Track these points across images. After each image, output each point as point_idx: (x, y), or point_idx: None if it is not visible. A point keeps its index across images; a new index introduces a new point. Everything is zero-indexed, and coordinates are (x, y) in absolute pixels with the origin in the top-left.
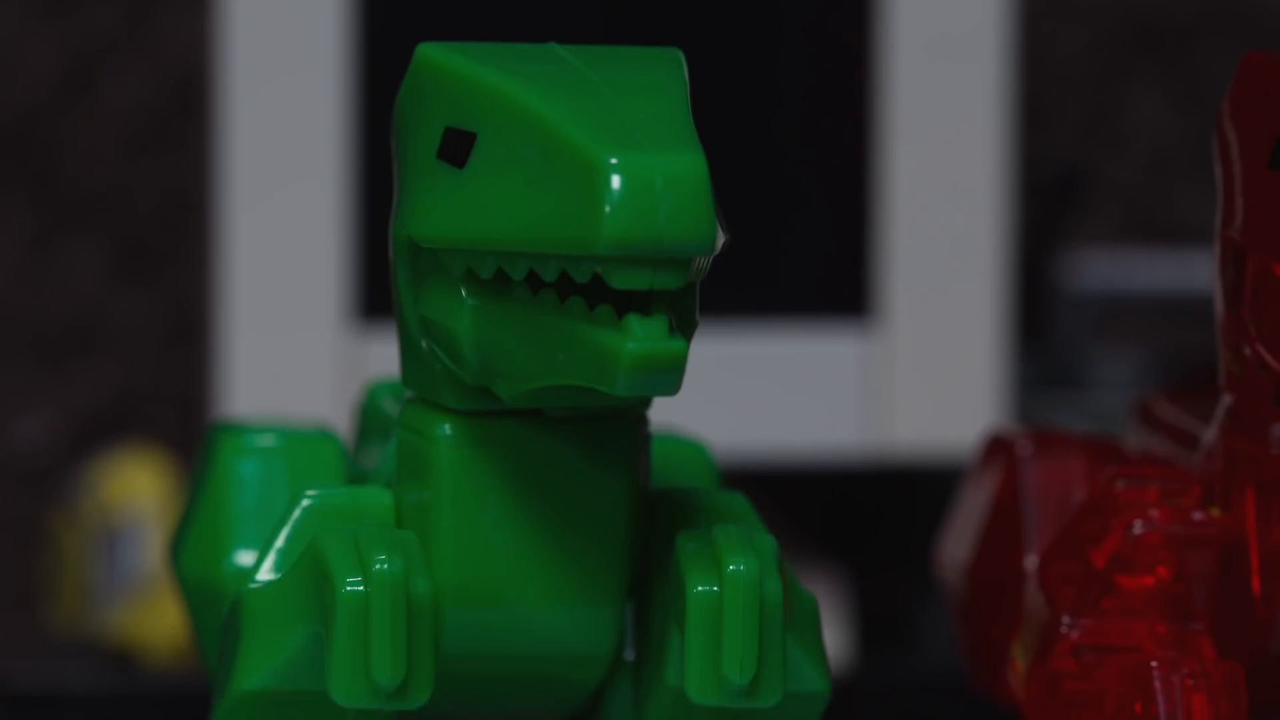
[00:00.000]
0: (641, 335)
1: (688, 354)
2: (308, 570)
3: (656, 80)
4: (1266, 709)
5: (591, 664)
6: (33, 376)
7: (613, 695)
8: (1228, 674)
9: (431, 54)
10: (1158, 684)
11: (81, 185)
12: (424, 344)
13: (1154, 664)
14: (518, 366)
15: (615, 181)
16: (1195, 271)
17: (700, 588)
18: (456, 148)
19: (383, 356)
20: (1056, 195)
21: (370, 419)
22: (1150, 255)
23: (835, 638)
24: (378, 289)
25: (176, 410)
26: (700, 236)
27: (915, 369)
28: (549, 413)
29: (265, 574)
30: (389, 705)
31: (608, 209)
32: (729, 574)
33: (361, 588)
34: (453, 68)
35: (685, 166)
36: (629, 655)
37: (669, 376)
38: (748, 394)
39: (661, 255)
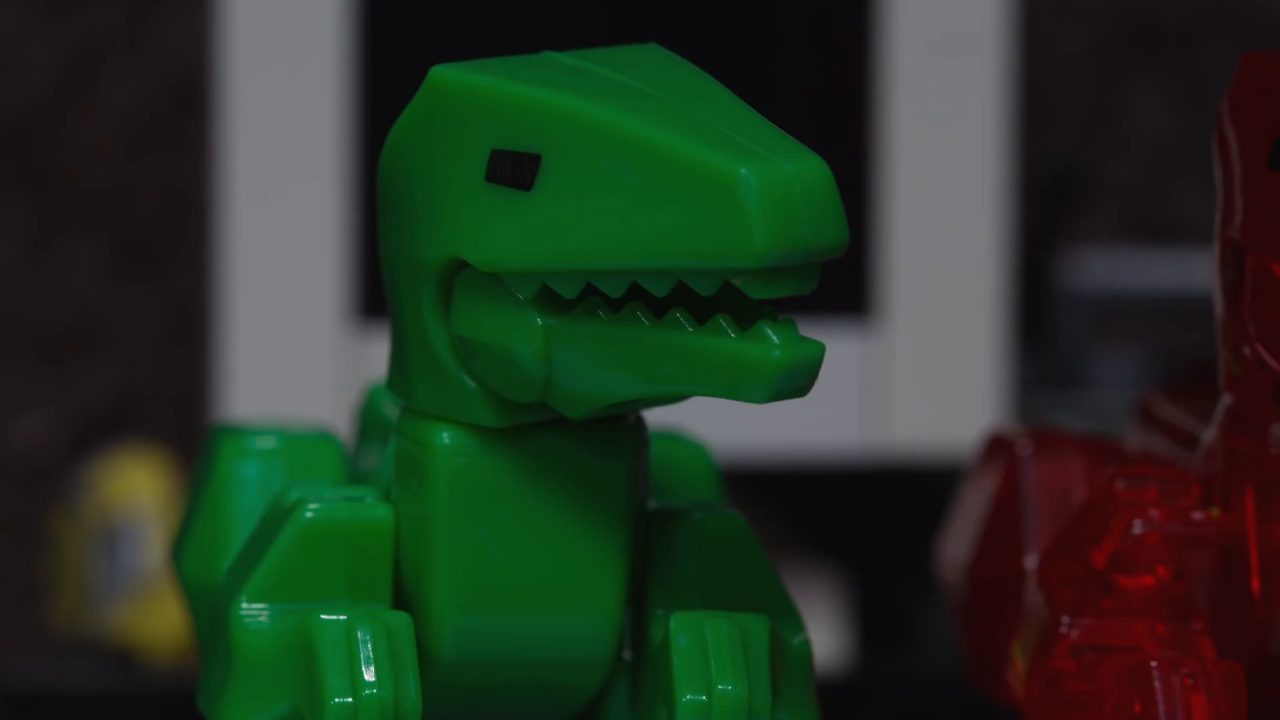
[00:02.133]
0: (783, 342)
1: (824, 355)
2: (299, 651)
3: (696, 83)
4: (1266, 709)
5: (590, 670)
6: (33, 376)
7: (611, 698)
8: (1227, 674)
9: (453, 75)
10: (1157, 684)
11: (81, 185)
12: (455, 366)
13: (1153, 664)
14: (599, 382)
15: (759, 194)
16: (1195, 271)
17: (689, 696)
18: (515, 170)
19: (383, 357)
20: (1056, 195)
21: (370, 421)
22: (1150, 255)
23: (835, 638)
24: (378, 289)
25: (176, 410)
26: (839, 238)
27: (915, 369)
28: (549, 423)
29: (258, 599)
30: None
31: (756, 221)
32: (718, 693)
33: (350, 700)
34: (490, 88)
35: (816, 171)
36: (627, 656)
37: (808, 379)
38: None
39: (808, 260)
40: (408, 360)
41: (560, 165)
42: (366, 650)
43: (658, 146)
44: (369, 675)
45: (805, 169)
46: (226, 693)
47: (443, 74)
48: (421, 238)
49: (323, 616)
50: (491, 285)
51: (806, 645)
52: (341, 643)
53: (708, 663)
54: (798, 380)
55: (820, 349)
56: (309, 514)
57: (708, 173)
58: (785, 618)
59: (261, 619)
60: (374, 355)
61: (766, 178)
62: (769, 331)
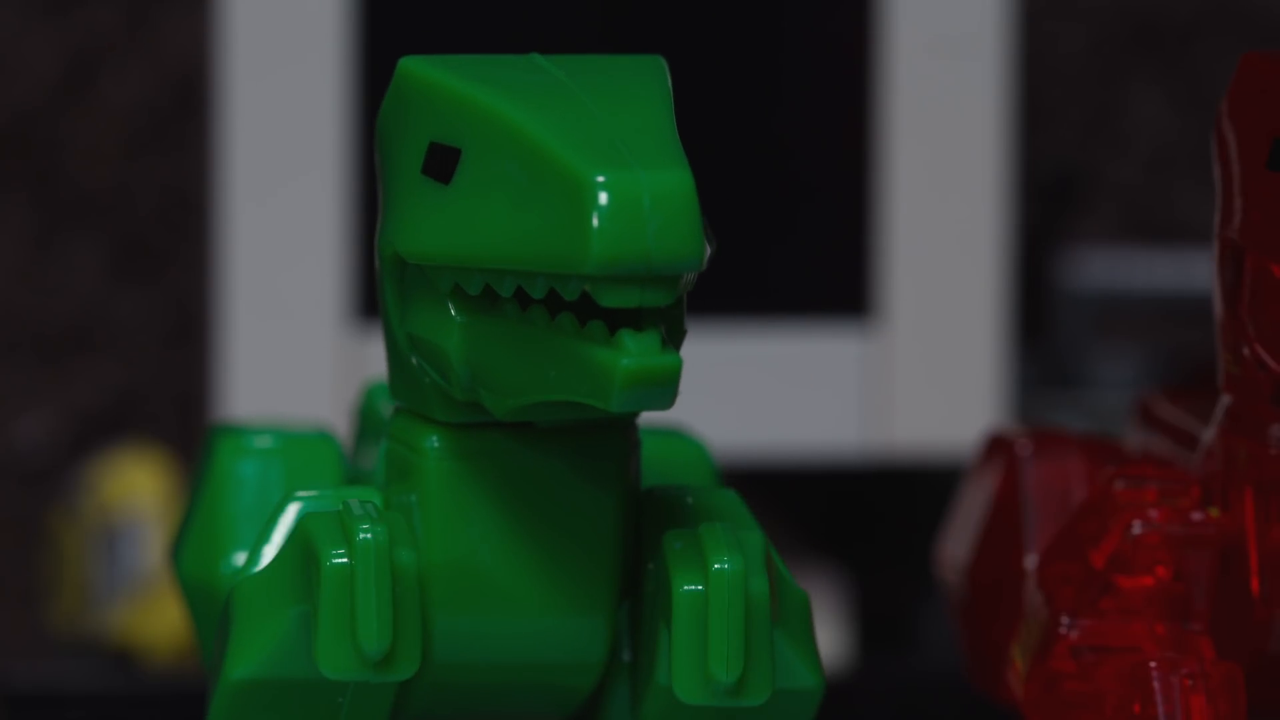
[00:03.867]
0: (635, 351)
1: (681, 368)
2: (295, 551)
3: (640, 91)
4: (1266, 709)
5: (583, 671)
6: (33, 376)
7: (611, 698)
8: (1226, 674)
9: (414, 68)
10: (1156, 684)
11: (81, 185)
12: (413, 360)
13: (1153, 664)
14: (508, 383)
15: (602, 200)
16: (1195, 271)
17: (686, 587)
18: (442, 163)
19: (382, 357)
20: (1056, 195)
21: (368, 420)
22: (1150, 255)
23: (835, 638)
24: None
25: (176, 410)
26: (689, 254)
27: (915, 369)
28: (538, 424)
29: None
30: (377, 676)
31: (595, 228)
32: (714, 573)
33: (345, 559)
34: (436, 82)
35: (672, 183)
36: (625, 657)
37: (664, 391)
38: (747, 393)
39: (650, 273)
40: (387, 353)
41: (473, 161)
42: (359, 513)
43: (536, 147)
44: (363, 524)
45: (662, 181)
46: (231, 639)
47: (406, 65)
48: (381, 230)
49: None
50: (421, 279)
51: (805, 596)
52: (333, 516)
53: (701, 554)
54: (651, 391)
55: (676, 362)
56: (301, 504)
57: (565, 176)
58: (782, 571)
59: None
60: (374, 355)
61: (617, 186)
62: (626, 339)
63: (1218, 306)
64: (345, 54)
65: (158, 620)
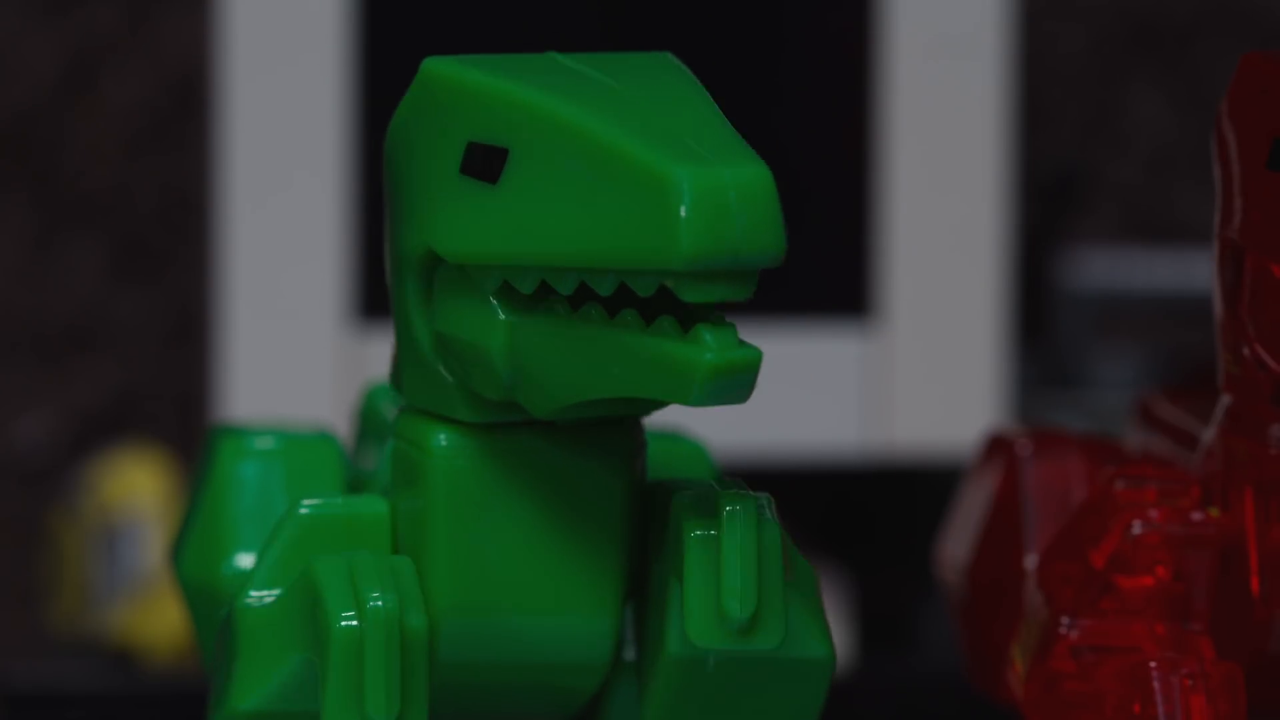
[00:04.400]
0: (716, 346)
1: (761, 360)
2: (302, 597)
3: (679, 89)
4: (1266, 709)
5: (588, 672)
6: (33, 376)
7: (613, 699)
8: (1226, 674)
9: (442, 68)
10: (1156, 684)
11: (81, 185)
12: (436, 360)
13: (1153, 664)
14: (559, 381)
15: (690, 197)
16: (1195, 271)
17: (697, 531)
18: (486, 163)
19: (382, 357)
20: (1056, 195)
21: (369, 421)
22: (1150, 255)
23: (835, 637)
24: (378, 289)
25: (176, 410)
26: (773, 247)
27: (915, 369)
28: (557, 423)
29: (260, 588)
30: None
31: (685, 223)
32: (726, 514)
33: (356, 623)
34: (473, 82)
35: (756, 178)
36: (629, 657)
37: (744, 384)
38: None
39: (736, 268)
40: (400, 353)
41: (524, 160)
42: (368, 575)
43: (606, 145)
44: (373, 591)
45: (745, 175)
46: (234, 670)
47: (431, 66)
48: (406, 229)
49: (322, 558)
50: (464, 279)
51: (814, 570)
52: (343, 574)
53: (714, 500)
54: (732, 385)
55: (757, 355)
56: (304, 510)
57: (646, 173)
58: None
59: (261, 599)
60: (374, 355)
61: (701, 181)
62: (705, 334)
63: (1218, 306)
64: (345, 54)
65: (158, 620)
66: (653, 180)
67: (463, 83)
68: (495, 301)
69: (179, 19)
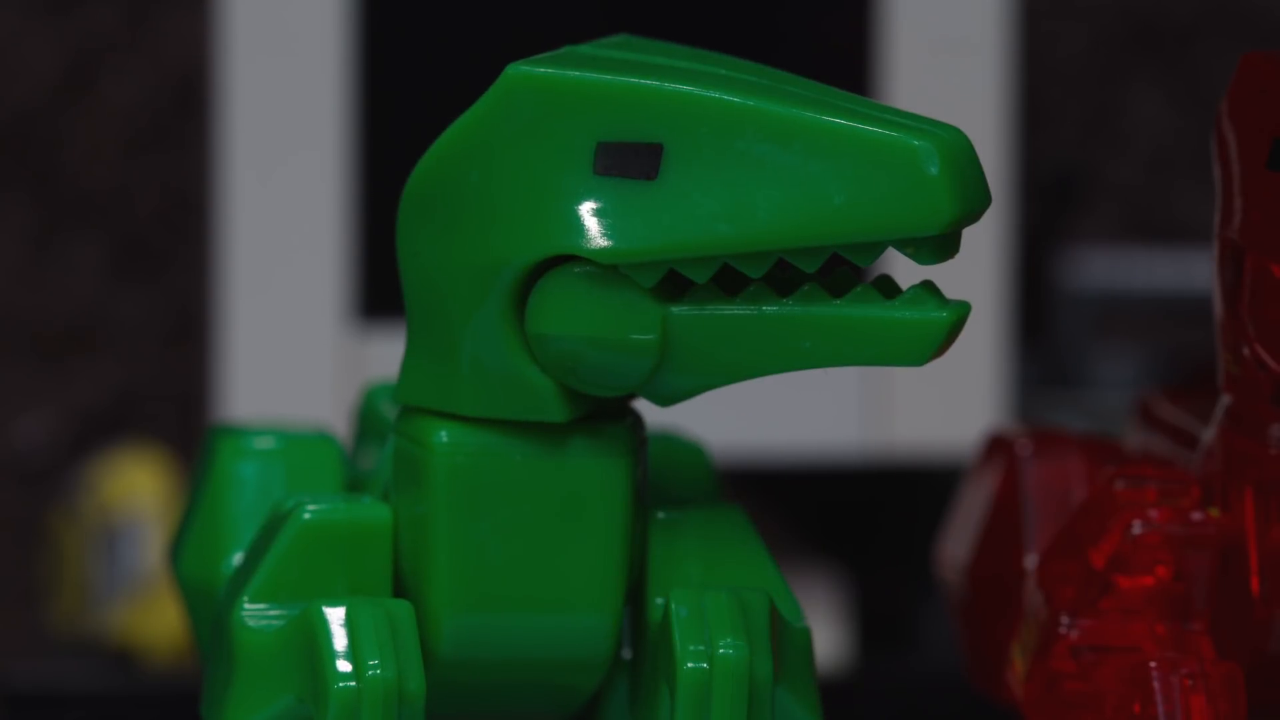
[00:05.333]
0: (942, 305)
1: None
2: (301, 639)
3: (791, 76)
4: (1265, 709)
5: (589, 669)
6: (33, 376)
7: (610, 696)
8: (1226, 674)
9: (540, 73)
10: (1156, 684)
11: (81, 185)
12: (526, 364)
13: (1153, 664)
14: (722, 365)
15: (940, 163)
16: (1195, 271)
17: (690, 664)
18: (634, 161)
19: (382, 357)
20: (1056, 195)
21: (368, 421)
22: (1150, 255)
23: (835, 638)
24: (378, 289)
25: (176, 410)
26: (988, 199)
27: (915, 369)
28: (558, 423)
29: (259, 600)
30: None
31: (944, 189)
32: (719, 656)
33: (354, 684)
34: (590, 82)
35: (965, 140)
36: (626, 655)
37: (956, 337)
38: (747, 394)
39: (976, 222)
40: (453, 365)
41: (688, 152)
42: (368, 634)
43: (818, 127)
44: (372, 659)
45: (959, 139)
46: (230, 692)
47: (523, 71)
48: (503, 239)
49: (323, 605)
50: (597, 278)
51: (807, 633)
52: (343, 628)
53: (707, 628)
54: (954, 339)
55: (967, 305)
56: (307, 515)
57: (884, 147)
58: (785, 605)
59: (262, 618)
60: (374, 355)
61: (942, 148)
62: (920, 297)
63: (1218, 306)
64: (345, 54)
65: (158, 620)
66: (895, 152)
67: (575, 84)
68: (649, 295)
69: (179, 19)
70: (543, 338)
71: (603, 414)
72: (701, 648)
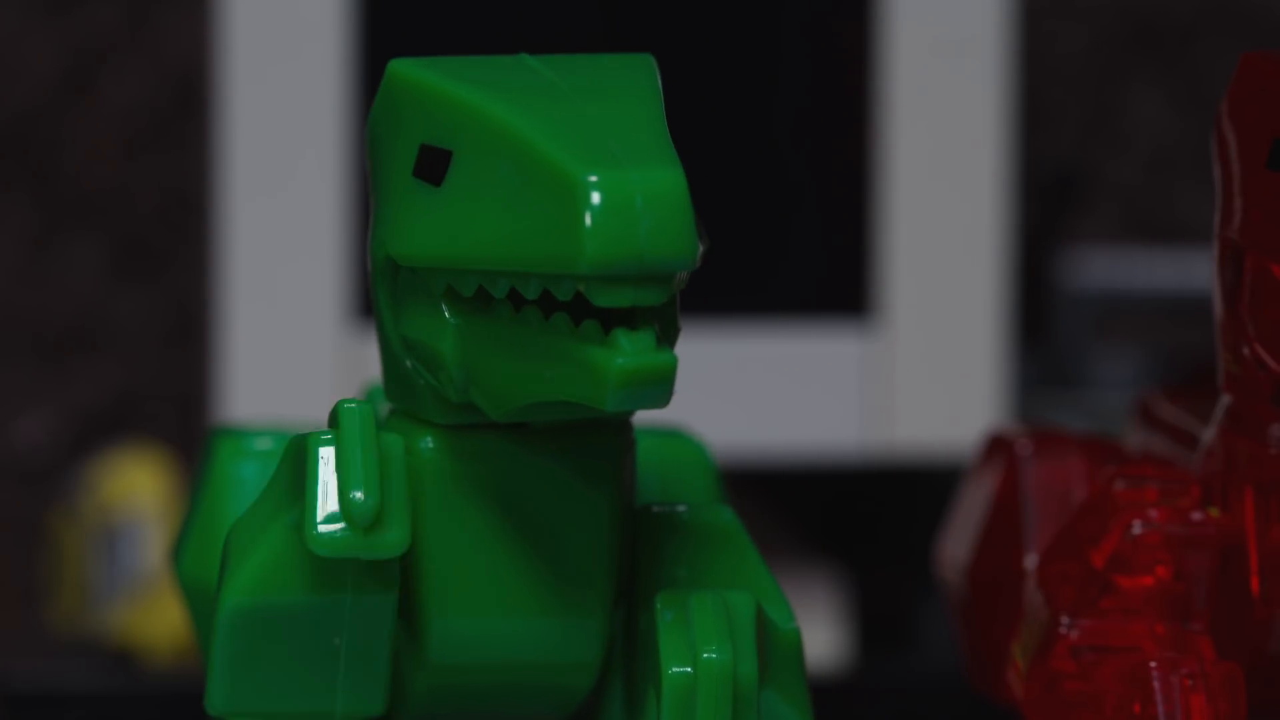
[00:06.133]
0: (630, 350)
1: (676, 366)
2: (286, 468)
3: (630, 90)
4: (1266, 709)
5: (580, 671)
6: (33, 376)
7: (606, 698)
8: (1226, 674)
9: (404, 70)
10: (1157, 684)
11: (81, 185)
12: (407, 362)
13: (1153, 664)
14: (503, 384)
15: (595, 199)
16: (1195, 271)
17: (675, 669)
18: (433, 165)
19: None
20: (1056, 195)
21: None
22: (1150, 255)
23: (835, 638)
24: None
25: (176, 410)
26: (682, 252)
27: (915, 369)
28: (533, 425)
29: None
30: (366, 548)
31: (588, 228)
32: (703, 661)
33: (331, 435)
34: (426, 84)
35: (664, 182)
36: (621, 655)
37: (659, 389)
38: (747, 393)
39: (644, 272)
40: (381, 357)
41: (464, 163)
42: (345, 401)
43: (528, 148)
44: (347, 404)
45: (654, 179)
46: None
47: (395, 68)
48: (374, 233)
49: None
50: (419, 282)
51: (796, 633)
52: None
53: (692, 633)
54: (646, 390)
55: (672, 360)
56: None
57: (557, 177)
58: (775, 607)
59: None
60: (373, 355)
61: (609, 186)
62: (621, 338)
63: (1218, 306)
64: (345, 54)
65: (158, 620)
66: (562, 184)
67: (418, 84)
68: (443, 304)
69: (179, 19)
70: (401, 337)
71: (591, 420)
72: (686, 653)
